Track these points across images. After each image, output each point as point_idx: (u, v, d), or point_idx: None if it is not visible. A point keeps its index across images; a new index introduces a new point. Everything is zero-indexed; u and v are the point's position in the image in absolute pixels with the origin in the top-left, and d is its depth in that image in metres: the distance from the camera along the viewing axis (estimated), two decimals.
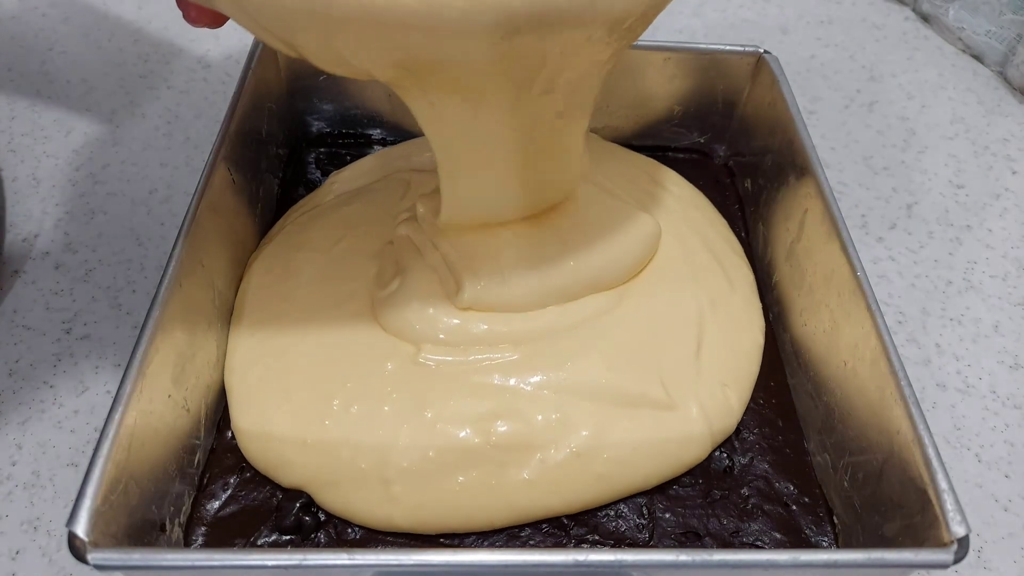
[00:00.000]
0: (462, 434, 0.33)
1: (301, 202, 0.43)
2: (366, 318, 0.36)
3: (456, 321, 0.35)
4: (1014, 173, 0.51)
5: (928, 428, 0.28)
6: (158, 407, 0.29)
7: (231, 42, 0.56)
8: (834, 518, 0.33)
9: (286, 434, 0.33)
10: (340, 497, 0.32)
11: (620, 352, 0.36)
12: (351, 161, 0.45)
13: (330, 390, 0.34)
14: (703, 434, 0.34)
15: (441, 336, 0.35)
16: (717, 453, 0.35)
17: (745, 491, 0.34)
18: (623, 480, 0.33)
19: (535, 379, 0.34)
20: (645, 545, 0.32)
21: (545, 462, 0.32)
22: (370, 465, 0.32)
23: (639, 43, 0.43)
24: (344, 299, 0.37)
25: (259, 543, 0.31)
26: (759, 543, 0.32)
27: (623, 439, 0.33)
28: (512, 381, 0.34)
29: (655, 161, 0.46)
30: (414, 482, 0.32)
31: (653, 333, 0.37)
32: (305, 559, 0.25)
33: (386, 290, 0.37)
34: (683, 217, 0.42)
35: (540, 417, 0.33)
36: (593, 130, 0.47)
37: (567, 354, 0.35)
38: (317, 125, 0.46)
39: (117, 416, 0.27)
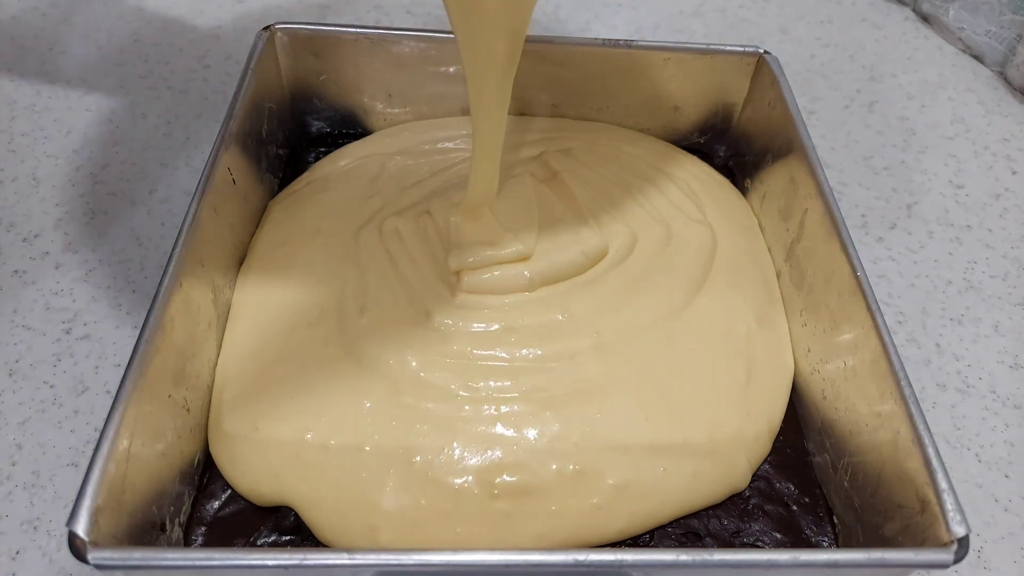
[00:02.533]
0: (459, 482, 0.31)
1: (283, 192, 0.43)
2: (336, 343, 0.34)
3: (444, 379, 0.33)
4: (1014, 173, 0.51)
5: (928, 428, 0.28)
6: (158, 407, 0.29)
7: (231, 42, 0.56)
8: (834, 518, 0.33)
9: (257, 463, 0.32)
10: (323, 537, 0.31)
11: (662, 395, 0.33)
12: None
13: (303, 422, 0.32)
14: (745, 479, 0.33)
15: (428, 397, 0.33)
16: None
17: (746, 491, 0.33)
18: (647, 527, 0.32)
19: (551, 430, 0.32)
20: (645, 545, 0.32)
21: (560, 516, 0.31)
22: (353, 510, 0.30)
23: (640, 43, 0.43)
24: (315, 320, 0.35)
25: (259, 543, 0.31)
26: (759, 543, 0.32)
27: (656, 492, 0.31)
28: (521, 432, 0.32)
29: (677, 147, 0.46)
30: (404, 532, 0.30)
31: (701, 368, 0.35)
32: (305, 559, 0.25)
33: (358, 319, 0.35)
34: (732, 207, 0.42)
35: (554, 467, 0.31)
36: None
37: (596, 402, 0.33)
38: (317, 125, 0.46)
39: (117, 416, 0.27)
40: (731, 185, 0.45)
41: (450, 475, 0.31)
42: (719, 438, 0.33)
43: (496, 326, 0.35)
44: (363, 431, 0.32)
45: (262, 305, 0.36)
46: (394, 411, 0.32)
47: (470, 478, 0.31)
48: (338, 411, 0.32)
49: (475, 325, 0.35)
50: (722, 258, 0.39)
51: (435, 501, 0.31)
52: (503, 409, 0.33)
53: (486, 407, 0.33)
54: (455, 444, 0.32)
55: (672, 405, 0.33)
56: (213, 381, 0.34)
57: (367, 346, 0.34)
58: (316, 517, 0.31)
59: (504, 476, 0.31)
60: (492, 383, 0.33)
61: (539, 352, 0.34)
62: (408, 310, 0.35)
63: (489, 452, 0.32)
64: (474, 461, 0.31)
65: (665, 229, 0.39)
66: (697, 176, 0.44)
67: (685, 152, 0.46)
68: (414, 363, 0.34)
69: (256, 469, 0.32)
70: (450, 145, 0.44)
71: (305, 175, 0.43)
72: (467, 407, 0.33)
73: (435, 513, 0.30)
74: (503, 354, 0.34)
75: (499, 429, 0.32)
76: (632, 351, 0.35)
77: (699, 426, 0.33)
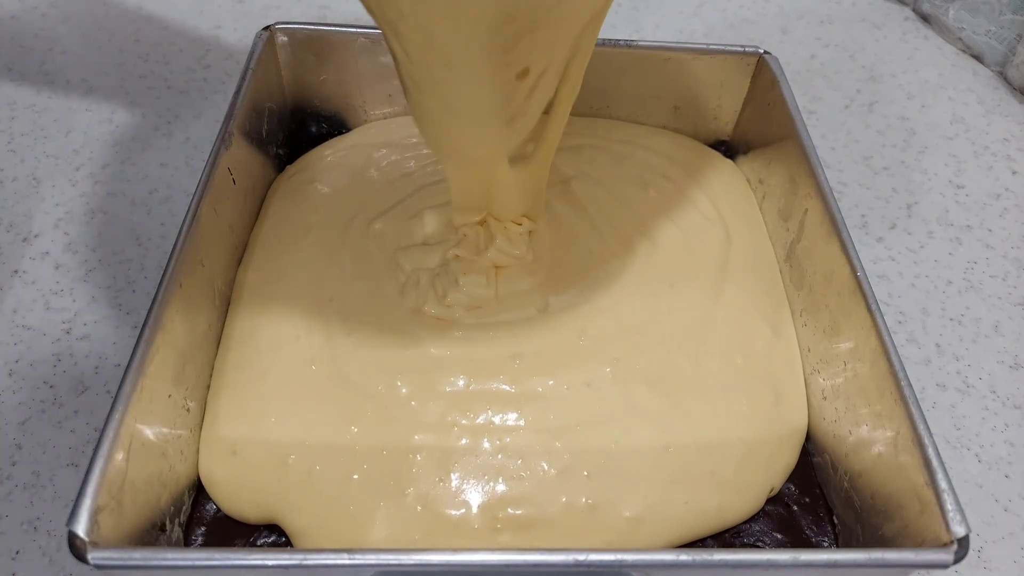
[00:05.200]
0: (457, 515, 0.30)
1: (280, 177, 0.43)
2: (321, 362, 0.33)
3: (439, 409, 0.32)
4: (1014, 173, 0.51)
5: (928, 428, 0.28)
6: (158, 407, 0.29)
7: (231, 42, 0.56)
8: (834, 518, 0.33)
9: (238, 486, 0.31)
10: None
11: (687, 423, 0.32)
12: None
13: (286, 445, 0.31)
14: (762, 501, 0.32)
15: (420, 427, 0.31)
16: None
17: None
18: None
19: (561, 461, 0.31)
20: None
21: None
22: (339, 542, 0.29)
23: (640, 43, 0.43)
24: (302, 333, 0.34)
25: (259, 543, 0.31)
26: (759, 543, 0.32)
27: (675, 527, 0.30)
28: (527, 464, 0.31)
29: (690, 138, 0.46)
30: None
31: (728, 391, 0.33)
32: (305, 559, 0.25)
33: (344, 337, 0.34)
34: (743, 202, 0.41)
35: (564, 499, 0.30)
36: None
37: (612, 432, 0.31)
38: (317, 125, 0.46)
39: (117, 416, 0.27)
40: (742, 176, 0.44)
41: (447, 508, 0.30)
42: (748, 469, 0.32)
43: (500, 352, 0.34)
44: (350, 459, 0.31)
45: (255, 311, 0.36)
46: (384, 439, 0.31)
47: (470, 511, 0.30)
48: (322, 436, 0.31)
49: (475, 351, 0.34)
50: (736, 260, 0.38)
51: (430, 535, 0.29)
52: (506, 440, 0.31)
53: (487, 438, 0.31)
54: (453, 476, 0.30)
55: (698, 434, 0.32)
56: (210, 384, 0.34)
57: (353, 369, 0.33)
58: (301, 545, 0.30)
59: (508, 509, 0.30)
60: (494, 413, 0.32)
61: (550, 381, 0.33)
62: (397, 331, 0.34)
63: (491, 484, 0.30)
64: (474, 494, 0.30)
65: (681, 231, 0.39)
66: (714, 167, 0.43)
67: (698, 143, 0.46)
68: (404, 390, 0.32)
69: (238, 492, 0.31)
70: None
71: (291, 167, 0.43)
72: (465, 439, 0.31)
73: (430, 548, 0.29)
74: (508, 383, 0.33)
75: (502, 460, 0.31)
76: (653, 376, 0.33)
77: (728, 456, 0.32)
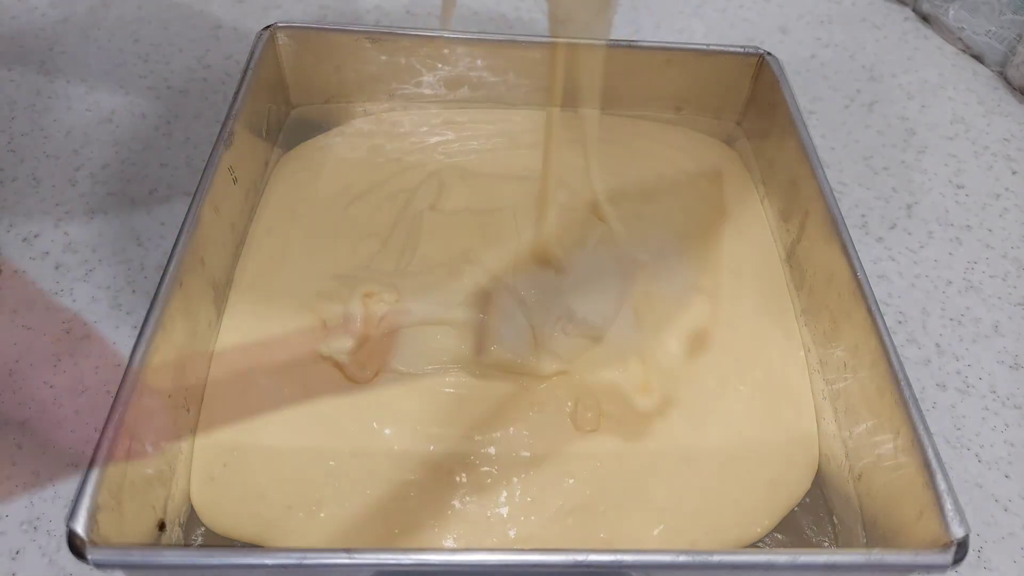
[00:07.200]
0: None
1: (278, 165, 0.43)
2: (294, 386, 0.32)
3: (430, 455, 0.30)
4: (1014, 173, 0.51)
5: (928, 428, 0.28)
6: (158, 407, 0.29)
7: (231, 42, 0.55)
8: (834, 518, 0.33)
9: (223, 513, 0.30)
10: None
11: (712, 454, 0.32)
12: None
13: (260, 476, 0.30)
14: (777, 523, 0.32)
15: (409, 469, 0.30)
16: None
17: None
18: None
19: (577, 499, 0.30)
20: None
21: None
22: None
23: (640, 43, 0.43)
24: (276, 347, 0.33)
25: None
26: (759, 543, 0.32)
27: (694, 545, 0.30)
28: (537, 502, 0.29)
29: (703, 134, 0.46)
30: None
31: (752, 411, 0.33)
32: (305, 559, 0.25)
33: (312, 364, 0.32)
34: (750, 198, 0.42)
35: (580, 536, 0.29)
36: None
37: (644, 470, 0.30)
38: (317, 124, 0.46)
39: (117, 416, 0.27)
40: (744, 168, 0.44)
41: (446, 544, 0.29)
42: (773, 496, 0.32)
43: (510, 390, 0.33)
44: (329, 497, 0.30)
45: (241, 316, 0.35)
46: (364, 477, 0.30)
47: (461, 541, 0.29)
48: (295, 469, 0.30)
49: (483, 392, 0.32)
50: (747, 260, 0.39)
51: None
52: (514, 480, 0.30)
53: (490, 479, 0.30)
54: (449, 512, 0.30)
55: (724, 464, 0.32)
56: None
57: (320, 401, 0.32)
58: None
59: (515, 548, 0.29)
60: (502, 455, 0.31)
61: (589, 427, 0.32)
62: (378, 357, 0.33)
63: (492, 519, 0.30)
64: (475, 532, 0.29)
65: (700, 227, 0.39)
66: (721, 159, 0.44)
67: (703, 135, 0.46)
68: (387, 432, 0.31)
69: (223, 518, 0.30)
70: (424, 129, 0.44)
71: (285, 157, 0.43)
72: (465, 478, 0.30)
73: None
74: (525, 428, 0.31)
75: (508, 498, 0.30)
76: (687, 404, 0.33)
77: (753, 485, 0.32)
